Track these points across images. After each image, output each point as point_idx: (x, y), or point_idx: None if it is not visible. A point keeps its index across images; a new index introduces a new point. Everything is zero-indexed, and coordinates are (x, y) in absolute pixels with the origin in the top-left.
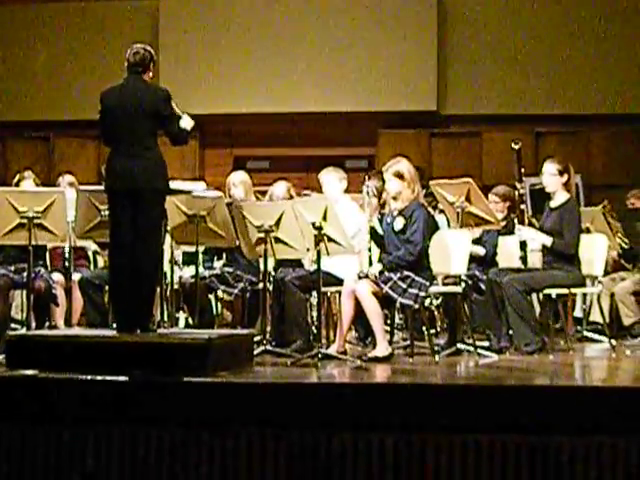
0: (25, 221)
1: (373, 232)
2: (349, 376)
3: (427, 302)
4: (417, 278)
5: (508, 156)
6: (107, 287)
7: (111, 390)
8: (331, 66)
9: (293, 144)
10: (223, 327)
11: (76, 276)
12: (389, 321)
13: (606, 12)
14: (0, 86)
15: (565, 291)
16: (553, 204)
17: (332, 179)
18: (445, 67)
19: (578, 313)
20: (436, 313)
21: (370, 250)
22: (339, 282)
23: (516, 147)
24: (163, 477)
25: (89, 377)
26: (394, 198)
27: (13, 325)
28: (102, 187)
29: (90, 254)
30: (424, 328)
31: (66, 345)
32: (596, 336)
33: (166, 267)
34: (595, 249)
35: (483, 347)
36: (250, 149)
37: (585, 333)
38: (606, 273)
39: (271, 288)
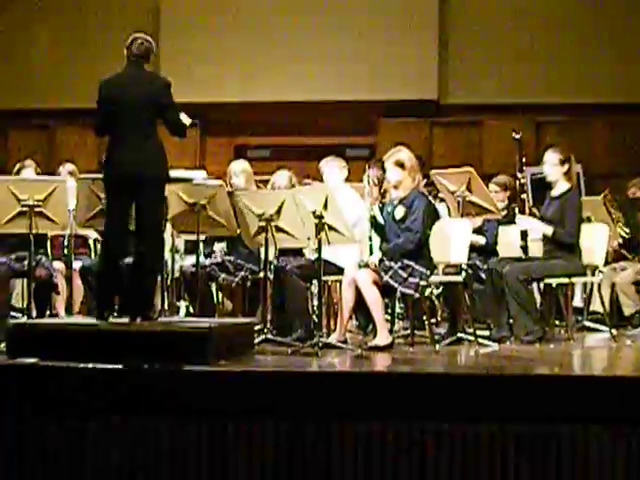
0: (26, 209)
1: (374, 221)
2: (349, 365)
3: (427, 291)
4: (418, 267)
5: (509, 145)
6: None
7: (111, 379)
8: (332, 55)
9: (294, 133)
10: (224, 316)
11: (77, 264)
12: (389, 310)
13: (607, 0)
14: (1, 74)
15: (566, 280)
16: (554, 193)
17: (333, 168)
18: (446, 56)
19: (579, 303)
20: (436, 302)
21: (371, 239)
22: (340, 271)
23: (517, 136)
24: (164, 466)
25: (90, 365)
26: (395, 187)
27: (14, 313)
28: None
29: (91, 242)
30: (424, 317)
31: (67, 333)
32: (597, 326)
33: (167, 256)
34: (596, 238)
35: (483, 336)
36: (251, 138)
37: (586, 323)
38: (607, 263)
39: (272, 277)
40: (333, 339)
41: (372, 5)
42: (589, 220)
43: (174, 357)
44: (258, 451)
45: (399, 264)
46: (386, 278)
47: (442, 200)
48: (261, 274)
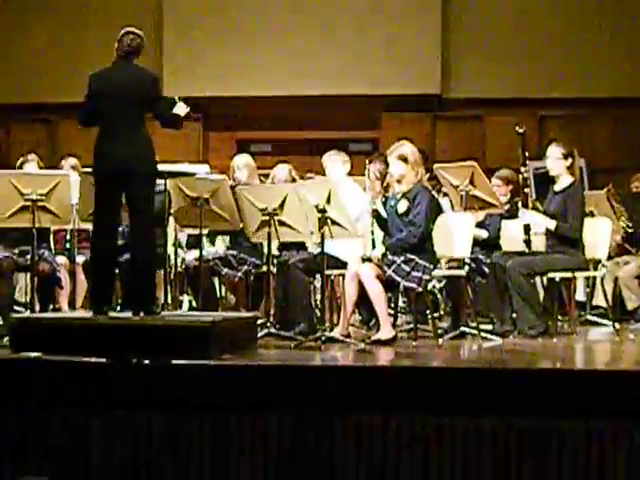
0: (29, 204)
1: (377, 215)
2: (352, 359)
3: (430, 285)
4: (420, 261)
5: (512, 140)
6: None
7: (114, 373)
8: (335, 49)
9: (296, 127)
10: (227, 310)
11: (80, 259)
12: (392, 304)
13: None
14: (2, 69)
15: (569, 275)
16: (557, 188)
17: (335, 162)
18: (449, 50)
19: (581, 297)
20: (439, 296)
21: (373, 233)
22: (343, 265)
23: (520, 131)
24: (166, 460)
25: (93, 359)
26: (398, 181)
27: (17, 308)
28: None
29: None
30: (427, 311)
31: (70, 328)
32: (600, 320)
33: (170, 250)
34: (599, 233)
35: (486, 330)
36: (253, 132)
37: (588, 317)
38: (610, 257)
39: (275, 271)
40: (336, 333)
41: (375, 0)
42: (592, 214)
43: (177, 351)
44: (261, 445)
45: (402, 258)
46: (389, 272)
47: (445, 194)
48: (264, 268)
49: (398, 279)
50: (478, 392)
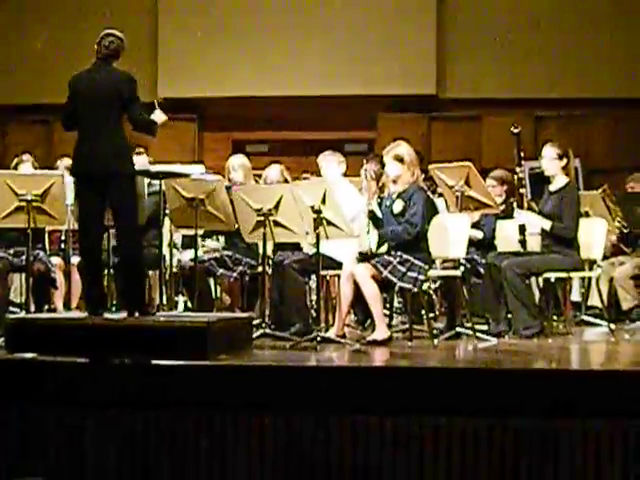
0: (24, 204)
1: (372, 215)
2: (348, 359)
3: (426, 286)
4: (416, 262)
5: (508, 140)
6: (106, 270)
7: (109, 373)
8: (330, 50)
9: (292, 128)
10: (222, 310)
11: (75, 259)
12: (388, 305)
13: None
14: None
15: (564, 275)
16: (552, 188)
17: (331, 163)
18: (444, 51)
19: (577, 297)
20: (435, 297)
21: (369, 233)
22: (338, 265)
23: (515, 131)
24: (163, 460)
25: (88, 360)
26: (394, 181)
27: (12, 308)
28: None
29: None
30: (423, 312)
31: (65, 328)
32: (595, 320)
33: (165, 251)
34: (594, 233)
35: (482, 331)
36: (249, 133)
37: (584, 317)
38: (605, 257)
39: (270, 271)
40: (331, 334)
41: (371, 0)
42: (587, 215)
43: (173, 352)
44: (257, 445)
45: (398, 259)
46: (385, 273)
47: (440, 195)
48: (259, 269)
49: (394, 280)
50: (474, 392)
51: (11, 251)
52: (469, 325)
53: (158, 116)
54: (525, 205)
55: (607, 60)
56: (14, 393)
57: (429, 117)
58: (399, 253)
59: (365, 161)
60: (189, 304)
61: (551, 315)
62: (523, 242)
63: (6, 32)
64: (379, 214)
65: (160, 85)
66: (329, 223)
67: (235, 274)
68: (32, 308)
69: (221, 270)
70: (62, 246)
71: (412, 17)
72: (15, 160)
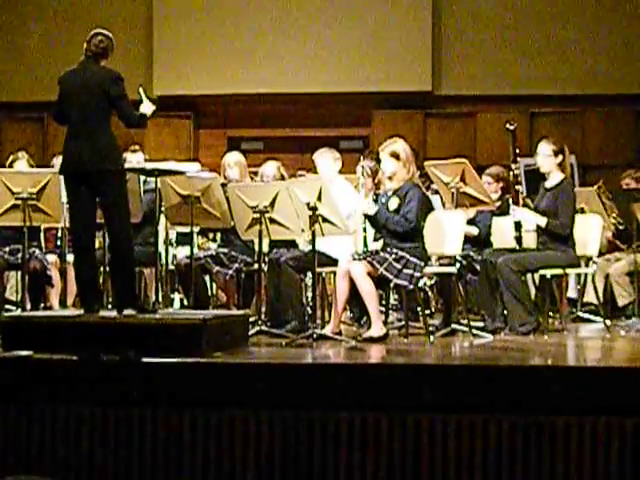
0: (19, 202)
1: (367, 216)
2: (344, 356)
3: (422, 283)
4: (412, 259)
5: (503, 137)
6: (102, 268)
7: (106, 371)
8: (325, 47)
9: (287, 125)
10: (218, 308)
11: (71, 257)
12: (384, 301)
13: None
14: None
15: (560, 272)
16: (548, 185)
17: (326, 160)
18: (440, 47)
19: (573, 294)
20: (431, 294)
21: (365, 230)
22: (334, 262)
23: (511, 127)
24: (158, 457)
25: (84, 358)
26: (389, 178)
27: (8, 306)
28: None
29: None
30: (419, 309)
31: (61, 326)
32: (591, 317)
33: (161, 248)
34: (590, 230)
35: (478, 327)
36: (244, 130)
37: (580, 314)
38: (601, 254)
39: (266, 269)
40: (327, 331)
41: None
42: (583, 211)
43: (168, 349)
44: (253, 442)
45: (393, 256)
46: (381, 270)
47: (436, 192)
48: (255, 266)
49: (390, 277)
50: (469, 389)
51: (7, 249)
52: (465, 322)
53: (147, 107)
54: (521, 202)
55: (602, 57)
56: (9, 391)
57: (424, 114)
58: (395, 250)
59: (362, 157)
60: (185, 301)
61: (547, 312)
62: (519, 239)
63: (0, 30)
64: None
65: (155, 83)
66: (325, 220)
67: (231, 271)
68: (28, 306)
69: (217, 267)
70: (58, 244)
71: (407, 14)
72: (10, 158)
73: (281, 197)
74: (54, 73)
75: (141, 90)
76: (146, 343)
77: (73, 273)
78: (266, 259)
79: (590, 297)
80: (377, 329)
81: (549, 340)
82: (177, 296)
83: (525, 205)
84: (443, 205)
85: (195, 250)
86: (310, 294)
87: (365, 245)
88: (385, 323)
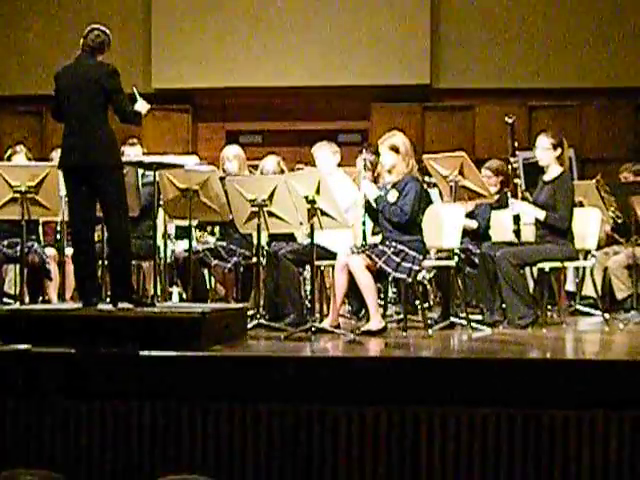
0: (18, 196)
1: (368, 205)
2: (342, 350)
3: (420, 276)
4: (410, 252)
5: (501, 130)
6: (100, 261)
7: (104, 364)
8: (324, 40)
9: (286, 118)
10: (217, 301)
11: (69, 250)
12: (382, 295)
13: None
14: None
15: (558, 265)
16: (546, 178)
17: (325, 153)
18: (438, 41)
19: (571, 287)
20: (429, 287)
21: (364, 224)
22: (332, 256)
23: (509, 121)
24: (157, 451)
25: (82, 351)
26: (389, 171)
27: (6, 300)
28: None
29: None
30: (417, 302)
31: (59, 319)
32: (589, 310)
33: (159, 242)
34: (588, 223)
35: (476, 321)
36: (243, 123)
37: (578, 307)
38: (599, 247)
39: (264, 262)
40: (326, 324)
41: None
42: (581, 205)
43: (167, 342)
44: (251, 435)
45: (392, 249)
46: (379, 263)
47: (434, 185)
48: (254, 259)
49: (388, 270)
50: (468, 382)
51: (5, 242)
52: (463, 315)
53: (141, 106)
54: (519, 195)
55: (601, 50)
56: (7, 385)
57: (423, 107)
58: (393, 243)
59: (364, 150)
60: (183, 295)
61: (545, 305)
62: (517, 232)
63: None
64: (374, 204)
65: (154, 76)
66: (323, 213)
67: (229, 265)
68: (26, 299)
69: (215, 261)
70: (58, 237)
71: (405, 7)
72: (9, 151)
73: (279, 190)
74: (52, 67)
75: (135, 90)
76: (145, 336)
77: (71, 266)
78: (265, 252)
79: (589, 290)
80: (376, 322)
81: (548, 333)
82: (176, 289)
83: (524, 198)
84: (441, 198)
85: (194, 243)
86: (309, 287)
87: (364, 238)
88: (384, 316)
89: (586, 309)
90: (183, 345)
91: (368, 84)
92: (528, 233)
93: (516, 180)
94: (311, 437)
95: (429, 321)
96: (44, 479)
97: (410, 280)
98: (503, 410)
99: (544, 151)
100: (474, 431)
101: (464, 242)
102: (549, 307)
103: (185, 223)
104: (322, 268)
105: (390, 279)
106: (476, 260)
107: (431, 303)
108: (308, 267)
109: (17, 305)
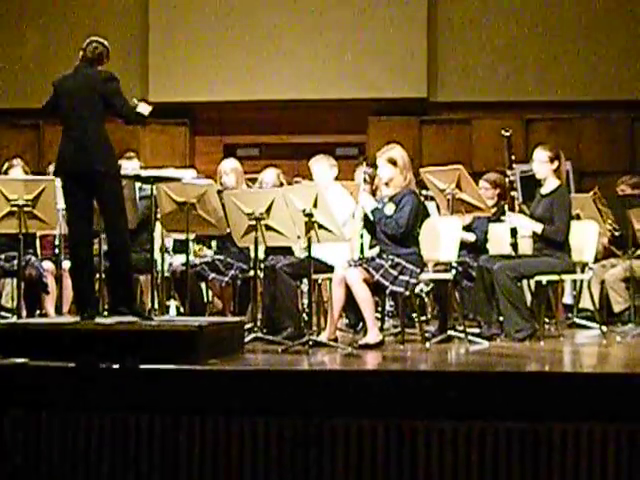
0: (15, 209)
1: (366, 218)
2: (340, 363)
3: (418, 289)
4: (408, 265)
5: (498, 143)
6: (97, 275)
7: (102, 378)
8: (321, 53)
9: (283, 131)
10: (214, 315)
11: (66, 264)
12: (380, 308)
13: None
14: None
15: (555, 278)
16: (543, 191)
17: (322, 166)
18: (435, 54)
19: (569, 300)
20: (427, 300)
21: (362, 237)
22: (330, 269)
23: (506, 134)
24: (154, 464)
25: (79, 365)
26: (386, 184)
27: (3, 313)
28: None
29: None
30: (415, 315)
31: (57, 333)
32: (587, 323)
33: (157, 255)
34: (585, 236)
35: (474, 334)
36: (240, 136)
37: (576, 320)
38: (596, 260)
39: (262, 275)
40: (323, 337)
41: (361, 3)
42: (578, 217)
43: (164, 356)
44: (249, 449)
45: (389, 262)
46: (377, 276)
47: (432, 198)
48: (251, 273)
49: (385, 283)
50: (466, 396)
51: (2, 256)
52: (461, 328)
53: (143, 108)
54: (516, 208)
55: (597, 63)
56: (5, 398)
57: (420, 120)
58: (391, 257)
59: (364, 163)
60: (181, 308)
61: (543, 318)
62: (515, 245)
63: None
64: (371, 217)
65: (151, 90)
66: (320, 227)
67: (227, 278)
68: (24, 313)
69: (213, 274)
70: (56, 251)
71: (402, 21)
72: (6, 165)
73: (277, 204)
74: (50, 80)
75: (133, 100)
76: (142, 350)
77: (69, 280)
78: (262, 266)
79: (586, 303)
80: (373, 336)
81: (545, 346)
82: (173, 303)
83: (521, 211)
84: (439, 211)
85: (191, 257)
86: (306, 301)
87: (361, 252)
88: (381, 330)
89: (583, 322)
90: (180, 358)
91: (365, 97)
92: (525, 246)
93: (513, 193)
94: (308, 451)
95: (426, 334)
96: None
97: (407, 293)
98: (501, 424)
99: (541, 164)
100: (472, 444)
101: (462, 255)
102: (546, 320)
103: (182, 236)
104: (319, 281)
105: (387, 292)
106: (473, 273)
107: (428, 316)
108: (305, 280)
109: (14, 319)
